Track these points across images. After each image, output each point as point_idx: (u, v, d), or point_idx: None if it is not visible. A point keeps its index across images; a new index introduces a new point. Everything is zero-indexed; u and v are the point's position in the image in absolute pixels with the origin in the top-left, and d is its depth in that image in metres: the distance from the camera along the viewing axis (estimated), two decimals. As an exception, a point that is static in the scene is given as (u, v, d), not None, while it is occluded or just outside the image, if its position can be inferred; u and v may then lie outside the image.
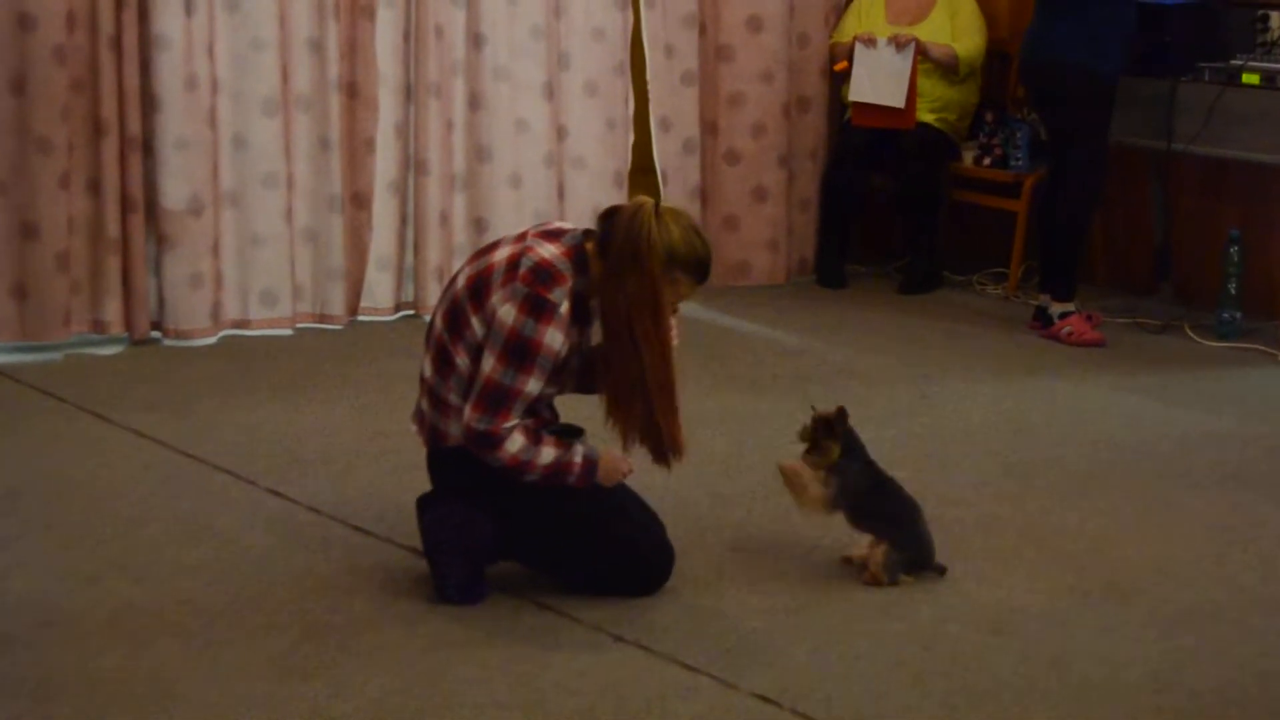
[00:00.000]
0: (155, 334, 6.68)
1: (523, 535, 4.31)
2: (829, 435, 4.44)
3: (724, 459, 5.48)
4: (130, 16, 6.45)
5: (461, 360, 4.18)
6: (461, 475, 4.28)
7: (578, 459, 4.20)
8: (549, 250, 4.15)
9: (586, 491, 4.26)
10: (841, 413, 4.46)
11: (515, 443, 4.11)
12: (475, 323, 4.15)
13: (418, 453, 4.43)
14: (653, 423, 4.19)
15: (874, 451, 5.34)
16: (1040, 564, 4.64)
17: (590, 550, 4.28)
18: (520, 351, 4.07)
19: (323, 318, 6.98)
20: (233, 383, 6.19)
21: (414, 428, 4.37)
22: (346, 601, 4.28)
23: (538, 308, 4.07)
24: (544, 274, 4.10)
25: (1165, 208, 7.63)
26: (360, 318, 7.03)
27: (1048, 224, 7.14)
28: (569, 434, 4.30)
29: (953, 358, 6.77)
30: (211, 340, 6.68)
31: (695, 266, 4.17)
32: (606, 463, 4.27)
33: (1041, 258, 7.25)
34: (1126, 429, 5.91)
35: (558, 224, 4.33)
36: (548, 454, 4.16)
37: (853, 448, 4.47)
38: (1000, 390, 6.33)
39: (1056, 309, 7.06)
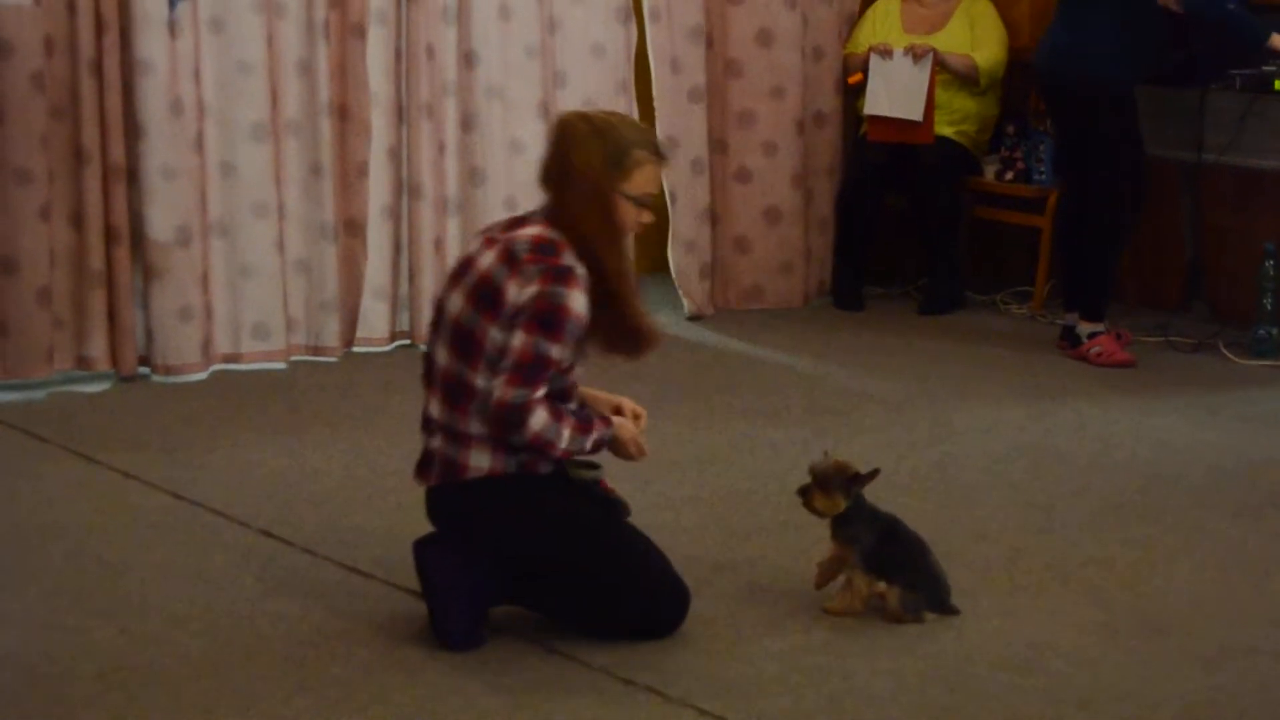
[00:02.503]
0: (143, 370, 6.69)
1: (527, 578, 4.31)
2: (844, 492, 4.44)
3: (737, 492, 5.48)
4: (111, 40, 6.47)
5: (483, 380, 4.20)
6: (467, 514, 4.29)
7: (588, 445, 4.26)
8: (531, 230, 4.24)
9: (593, 531, 4.28)
10: (873, 475, 4.46)
11: (540, 418, 4.15)
12: (494, 332, 4.18)
13: (417, 491, 4.43)
14: (620, 324, 4.29)
15: (893, 482, 5.36)
16: (1068, 599, 4.64)
17: (599, 593, 4.28)
18: (550, 319, 4.14)
19: (317, 350, 6.99)
20: (224, 420, 6.20)
21: (417, 480, 4.38)
22: (344, 649, 4.28)
23: (559, 275, 4.15)
24: (544, 246, 4.20)
25: (1196, 221, 7.63)
26: (355, 349, 7.05)
27: (1070, 240, 7.14)
28: (589, 467, 4.36)
29: (975, 382, 6.77)
30: (202, 375, 6.70)
31: (647, 145, 4.26)
32: (622, 437, 4.34)
33: (1065, 276, 7.26)
34: (1158, 454, 5.91)
35: (507, 217, 4.44)
36: (566, 435, 4.20)
37: (859, 504, 4.47)
38: (1025, 415, 6.33)
39: (1085, 328, 7.07)
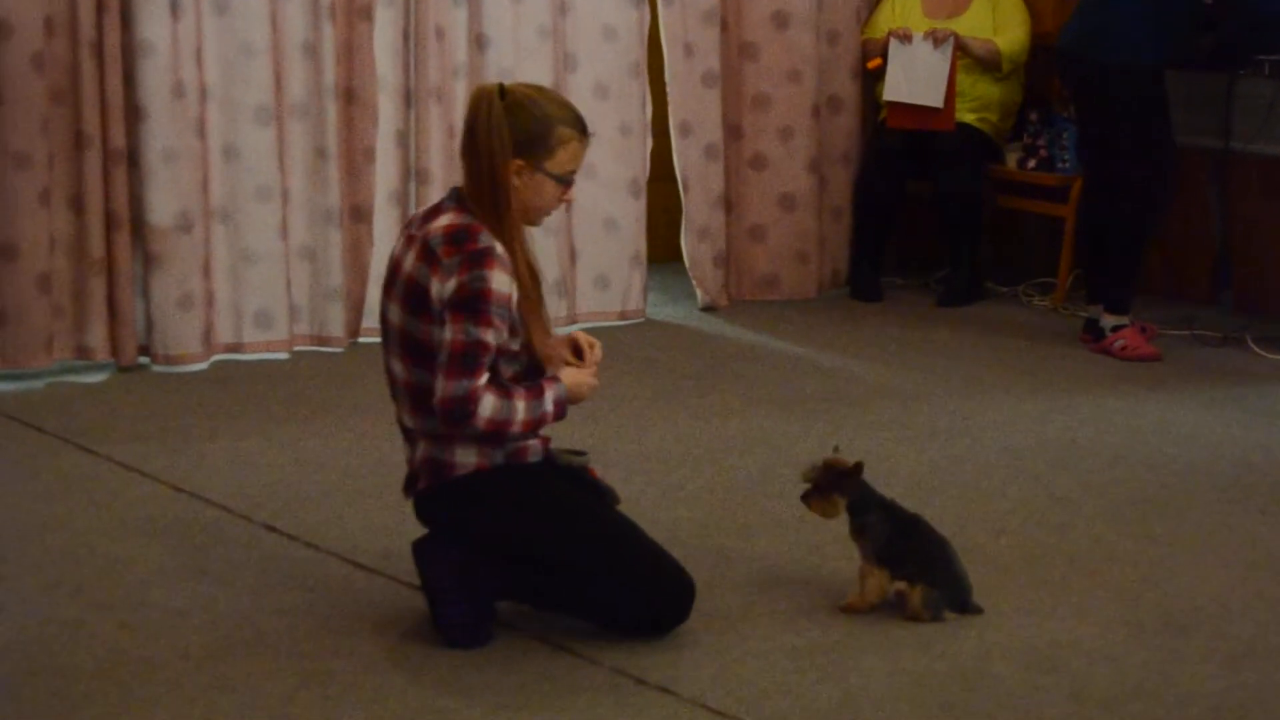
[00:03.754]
0: (143, 359, 6.71)
1: (528, 576, 4.31)
2: (838, 489, 4.44)
3: (751, 485, 5.48)
4: (112, 21, 6.48)
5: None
6: (459, 513, 4.29)
7: (549, 405, 4.23)
8: (444, 219, 4.21)
9: (587, 520, 4.27)
10: (858, 468, 4.45)
11: (488, 404, 4.12)
12: (435, 331, 4.16)
13: (422, 484, 4.44)
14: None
15: (912, 476, 5.35)
16: (1091, 596, 4.63)
17: (599, 584, 4.27)
18: (473, 304, 4.10)
19: (321, 340, 7.00)
20: (226, 411, 6.21)
21: (405, 494, 4.38)
22: (347, 644, 4.28)
23: (476, 259, 4.12)
24: (458, 234, 4.16)
25: (1224, 211, 7.63)
26: (361, 339, 7.05)
27: (1094, 231, 7.13)
28: (576, 455, 4.36)
29: (996, 375, 6.77)
30: (203, 365, 6.71)
31: (570, 121, 4.23)
32: (572, 387, 4.29)
33: (1089, 267, 7.25)
34: (1183, 449, 5.91)
35: (426, 207, 4.41)
36: (521, 408, 4.18)
37: (864, 497, 4.46)
38: (1047, 409, 6.32)
39: (1109, 321, 7.06)
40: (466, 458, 4.23)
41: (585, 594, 4.29)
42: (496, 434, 4.18)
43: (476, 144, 4.19)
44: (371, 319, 7.04)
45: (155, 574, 4.73)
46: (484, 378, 4.13)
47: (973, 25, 7.91)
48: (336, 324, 6.99)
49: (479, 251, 4.13)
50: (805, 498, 4.48)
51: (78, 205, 6.54)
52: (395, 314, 4.25)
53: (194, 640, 4.30)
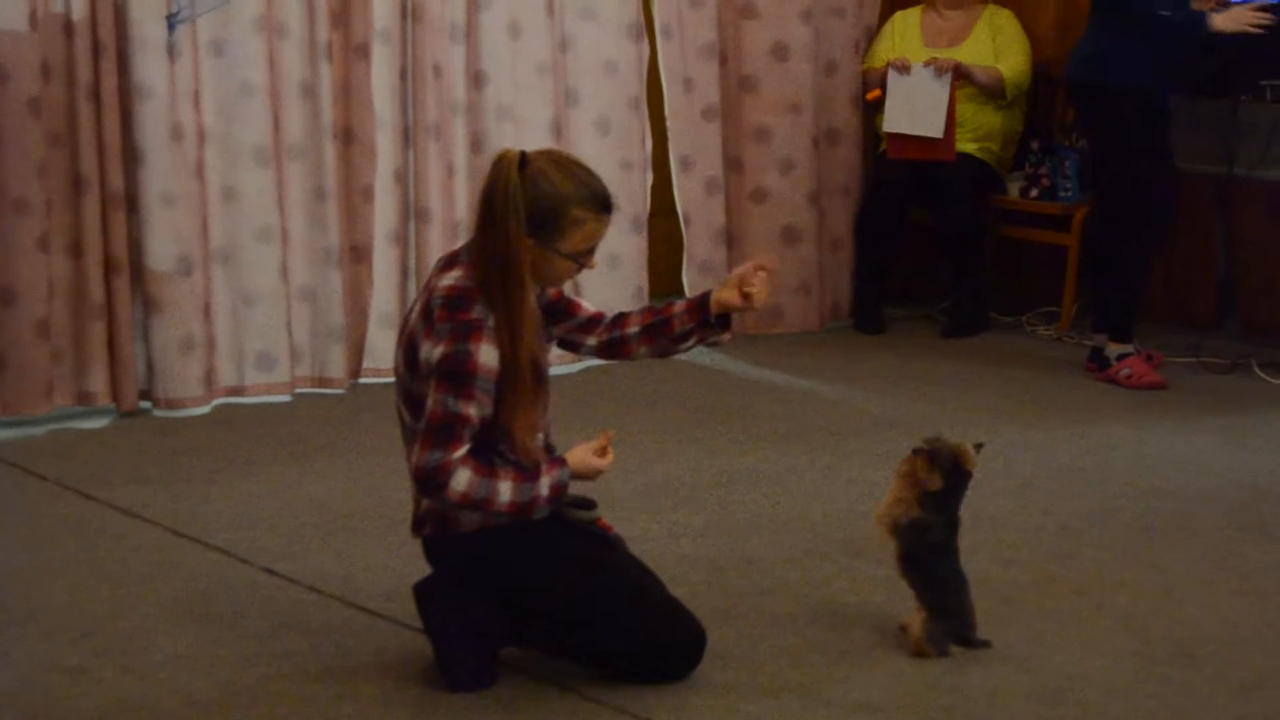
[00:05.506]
0: (144, 404, 6.70)
1: (534, 622, 4.29)
2: (942, 471, 4.38)
3: (757, 520, 5.48)
4: (109, 64, 6.49)
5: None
6: (463, 565, 4.27)
7: (544, 490, 4.13)
8: (451, 277, 4.14)
9: (602, 579, 4.23)
10: (968, 475, 4.41)
11: (462, 478, 4.03)
12: (424, 389, 4.13)
13: (425, 525, 4.44)
14: (502, 422, 4.11)
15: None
16: (1099, 626, 4.63)
17: (611, 641, 4.24)
18: (456, 376, 4.03)
19: (322, 381, 6.99)
20: (227, 454, 6.20)
21: (413, 534, 4.36)
22: (351, 688, 4.27)
23: (462, 331, 4.04)
24: (455, 300, 4.09)
25: (1228, 237, 7.62)
26: (362, 380, 7.05)
27: (1099, 259, 7.12)
28: (583, 507, 4.31)
29: (1002, 404, 6.76)
30: (205, 409, 6.70)
31: (590, 200, 4.14)
32: (578, 468, 4.20)
33: (1095, 295, 7.24)
34: (1191, 477, 5.90)
35: (452, 250, 4.32)
36: (505, 489, 4.08)
37: (951, 500, 4.40)
38: (1053, 439, 6.32)
39: (1114, 350, 7.05)
40: (470, 516, 4.19)
41: (595, 645, 4.27)
42: (475, 509, 4.09)
43: (492, 215, 4.08)
44: (371, 359, 7.04)
45: (157, 619, 4.73)
46: (460, 451, 4.04)
47: (973, 53, 7.92)
48: (337, 365, 6.98)
49: (468, 323, 4.05)
50: (918, 452, 4.40)
51: (76, 250, 6.54)
52: (399, 361, 4.23)
53: (197, 686, 4.30)
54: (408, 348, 4.18)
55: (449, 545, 4.27)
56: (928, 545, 4.40)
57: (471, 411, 4.04)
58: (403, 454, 4.25)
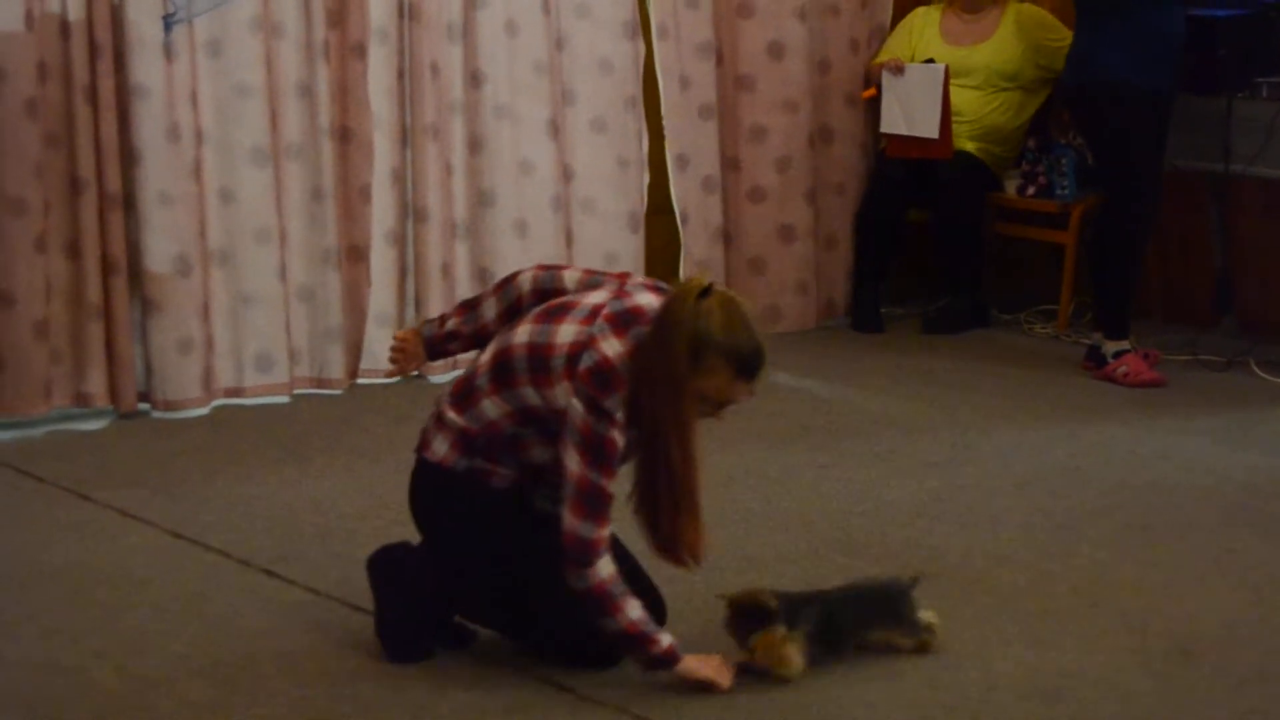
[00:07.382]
0: (143, 406, 6.68)
1: (483, 598, 4.36)
2: (768, 621, 4.26)
3: (751, 519, 5.48)
4: (106, 65, 6.48)
5: (489, 404, 4.22)
6: (418, 493, 4.36)
7: (665, 639, 4.15)
8: (613, 348, 4.11)
9: (535, 546, 4.23)
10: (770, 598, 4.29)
11: (607, 567, 4.10)
12: (530, 393, 4.18)
13: (423, 527, 4.45)
14: (670, 529, 4.16)
15: (915, 506, 5.36)
16: (1097, 624, 4.63)
17: (554, 614, 4.26)
18: (599, 452, 4.08)
19: (321, 382, 6.98)
20: (226, 456, 6.20)
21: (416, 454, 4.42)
22: (350, 688, 4.27)
23: (599, 413, 4.07)
24: (602, 378, 4.08)
25: (1225, 234, 7.62)
26: (360, 380, 7.04)
27: (1100, 256, 7.11)
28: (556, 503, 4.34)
29: (999, 403, 6.76)
30: (203, 411, 6.69)
31: (732, 355, 4.09)
32: (692, 663, 4.19)
33: (1095, 293, 7.23)
34: (1188, 475, 5.90)
35: (644, 297, 4.21)
36: (636, 606, 4.13)
37: (795, 608, 4.28)
38: (1050, 437, 6.31)
39: (1110, 348, 7.05)
40: (440, 446, 4.28)
41: (543, 622, 4.30)
42: (600, 602, 4.09)
43: (663, 321, 4.10)
44: (370, 359, 7.00)
45: (153, 620, 4.72)
46: (608, 529, 4.10)
47: (1001, 52, 7.87)
48: (336, 366, 6.98)
49: (604, 410, 4.08)
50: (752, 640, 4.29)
51: (74, 250, 6.54)
52: (523, 338, 4.22)
53: (195, 686, 4.30)
54: (533, 355, 4.17)
55: (418, 467, 4.35)
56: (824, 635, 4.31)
57: (611, 489, 4.10)
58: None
